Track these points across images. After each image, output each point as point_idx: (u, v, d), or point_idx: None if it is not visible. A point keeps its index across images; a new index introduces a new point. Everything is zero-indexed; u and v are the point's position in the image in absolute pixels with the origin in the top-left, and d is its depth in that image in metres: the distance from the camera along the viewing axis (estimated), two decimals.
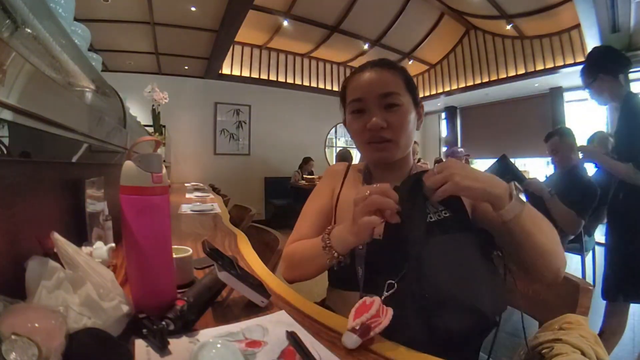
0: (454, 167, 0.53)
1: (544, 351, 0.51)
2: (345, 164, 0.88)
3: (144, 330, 0.44)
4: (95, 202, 0.81)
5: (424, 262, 0.51)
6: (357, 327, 0.45)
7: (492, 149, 6.20)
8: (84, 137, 0.68)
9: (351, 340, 0.45)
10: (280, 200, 5.49)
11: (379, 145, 0.70)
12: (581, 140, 2.11)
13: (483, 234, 0.59)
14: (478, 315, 0.49)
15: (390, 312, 0.47)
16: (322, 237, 0.64)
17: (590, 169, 2.07)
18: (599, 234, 2.34)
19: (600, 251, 2.16)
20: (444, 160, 3.23)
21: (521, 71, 5.32)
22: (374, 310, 0.46)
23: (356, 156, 4.70)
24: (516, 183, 0.55)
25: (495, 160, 2.00)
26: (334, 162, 5.47)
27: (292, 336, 0.44)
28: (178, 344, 0.45)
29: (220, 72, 5.44)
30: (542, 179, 2.06)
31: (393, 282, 0.51)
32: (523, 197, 0.54)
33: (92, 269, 0.46)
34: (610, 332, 1.53)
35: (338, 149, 5.92)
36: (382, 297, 0.50)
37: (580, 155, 1.69)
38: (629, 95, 1.46)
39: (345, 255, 0.62)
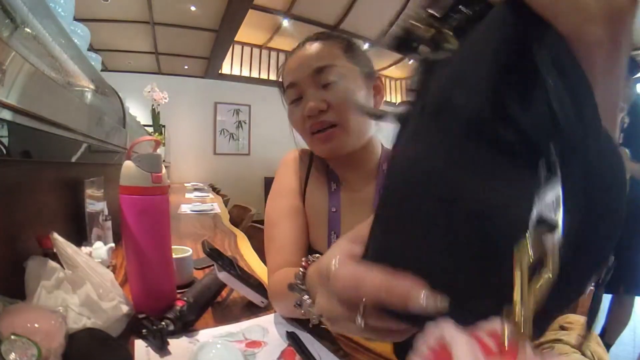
0: None
1: (544, 351, 0.51)
2: (306, 152, 0.70)
3: (144, 331, 0.44)
4: (95, 202, 0.81)
5: None
6: None
7: None
8: (84, 137, 0.68)
9: None
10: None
11: (323, 135, 0.56)
12: None
13: None
14: None
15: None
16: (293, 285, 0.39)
17: None
18: None
19: None
20: None
21: None
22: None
23: None
24: None
25: None
26: None
27: (292, 336, 0.44)
28: (178, 344, 0.45)
29: (220, 72, 5.44)
30: None
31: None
32: None
33: (91, 269, 0.46)
34: (615, 322, 1.57)
35: None
36: None
37: None
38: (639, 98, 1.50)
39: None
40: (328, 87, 0.55)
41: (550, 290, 0.17)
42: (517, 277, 0.17)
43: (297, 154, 0.70)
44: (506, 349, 0.16)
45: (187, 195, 2.72)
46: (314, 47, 0.57)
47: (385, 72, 7.23)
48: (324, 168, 0.66)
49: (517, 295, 0.17)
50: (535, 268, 0.17)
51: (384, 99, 0.62)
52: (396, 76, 7.41)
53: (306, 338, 0.48)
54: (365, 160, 0.62)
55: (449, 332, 0.16)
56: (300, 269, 0.39)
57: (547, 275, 0.17)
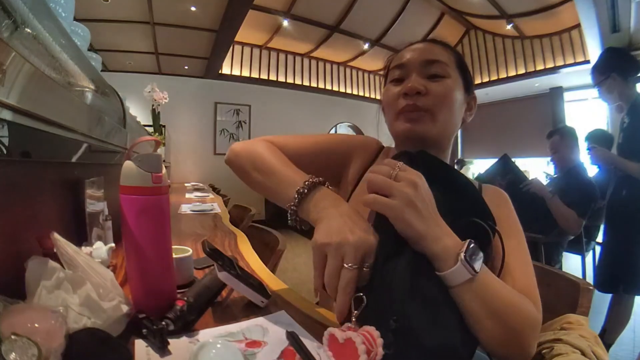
0: (410, 191, 0.40)
1: (544, 351, 0.51)
2: (380, 144, 0.72)
3: (144, 330, 0.44)
4: (95, 202, 0.81)
5: (391, 280, 0.40)
6: None
7: (492, 149, 6.20)
8: (84, 137, 0.68)
9: None
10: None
11: (413, 114, 0.56)
12: (580, 139, 2.11)
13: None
14: (449, 350, 0.39)
15: (375, 334, 0.36)
16: (302, 185, 0.48)
17: (591, 170, 2.08)
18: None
19: (599, 251, 2.16)
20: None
21: (521, 71, 5.33)
22: (362, 348, 0.34)
23: None
24: (474, 245, 0.41)
25: (497, 160, 2.00)
26: None
27: (292, 336, 0.44)
28: (178, 344, 0.45)
29: (220, 72, 5.44)
30: (542, 179, 2.06)
31: (361, 295, 0.39)
32: (478, 265, 0.41)
33: (91, 269, 0.46)
34: (614, 321, 1.58)
35: None
36: (354, 318, 0.39)
37: (589, 156, 1.71)
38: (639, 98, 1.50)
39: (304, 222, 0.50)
40: (432, 79, 0.57)
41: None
42: None
43: (375, 144, 0.72)
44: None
45: (187, 195, 2.72)
46: (433, 45, 0.61)
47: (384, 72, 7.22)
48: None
49: None
50: None
51: (472, 116, 0.66)
52: None
53: (306, 338, 0.48)
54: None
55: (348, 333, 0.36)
56: (312, 180, 0.49)
57: None
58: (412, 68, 0.58)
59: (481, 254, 0.42)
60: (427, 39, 0.64)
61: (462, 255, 0.39)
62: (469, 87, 0.63)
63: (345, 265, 0.39)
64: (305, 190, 0.48)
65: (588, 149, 1.73)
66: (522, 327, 0.43)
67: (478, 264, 0.41)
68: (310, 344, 0.46)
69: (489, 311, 0.41)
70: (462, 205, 0.48)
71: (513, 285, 0.48)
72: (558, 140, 1.96)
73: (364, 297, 0.39)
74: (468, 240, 0.41)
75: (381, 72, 6.55)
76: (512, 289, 0.46)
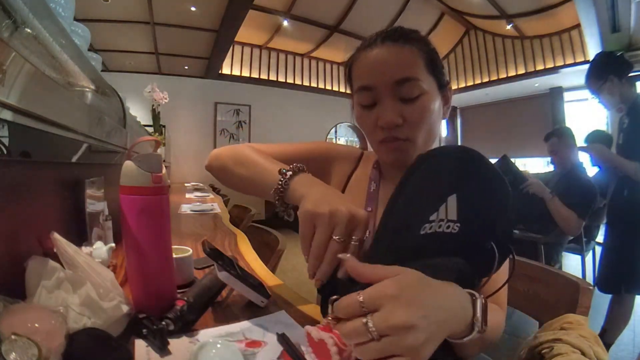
0: (394, 301, 0.30)
1: (544, 351, 0.51)
2: (360, 151, 0.72)
3: (144, 330, 0.44)
4: (95, 202, 0.81)
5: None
6: None
7: (492, 149, 6.19)
8: (84, 137, 0.68)
9: None
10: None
11: (393, 145, 0.55)
12: (581, 139, 2.11)
13: (471, 266, 0.39)
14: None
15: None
16: (286, 169, 0.49)
17: (591, 170, 2.08)
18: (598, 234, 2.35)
19: (600, 251, 2.17)
20: None
21: (521, 71, 5.33)
22: (334, 349, 0.34)
23: None
24: (482, 299, 0.35)
25: (496, 160, 2.00)
26: None
27: (282, 338, 0.44)
28: (178, 344, 0.45)
29: (220, 72, 5.44)
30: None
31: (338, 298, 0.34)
32: (485, 324, 0.35)
33: (92, 269, 0.46)
34: (614, 321, 1.58)
35: None
36: (329, 318, 0.34)
37: (588, 155, 1.71)
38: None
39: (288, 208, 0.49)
40: (407, 102, 0.53)
41: None
42: None
43: (357, 153, 0.71)
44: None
45: (187, 195, 2.72)
46: (395, 51, 0.53)
47: None
48: (368, 167, 0.67)
49: None
50: None
51: (450, 107, 0.62)
52: None
53: (305, 337, 0.48)
54: None
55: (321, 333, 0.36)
56: (295, 166, 0.48)
57: None
58: (381, 92, 0.54)
59: (485, 323, 0.35)
60: (387, 34, 0.55)
61: (479, 325, 0.34)
62: (442, 83, 0.58)
63: (334, 237, 0.38)
64: (290, 173, 0.48)
65: (581, 149, 1.73)
66: (496, 338, 0.47)
67: (484, 322, 0.35)
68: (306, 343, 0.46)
69: (480, 343, 0.43)
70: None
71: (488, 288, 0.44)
72: (556, 141, 1.96)
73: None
74: (479, 299, 0.35)
75: None
76: (493, 307, 0.46)
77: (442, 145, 0.44)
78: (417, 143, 0.55)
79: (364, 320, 0.29)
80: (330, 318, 0.34)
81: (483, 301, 0.35)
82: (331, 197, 0.41)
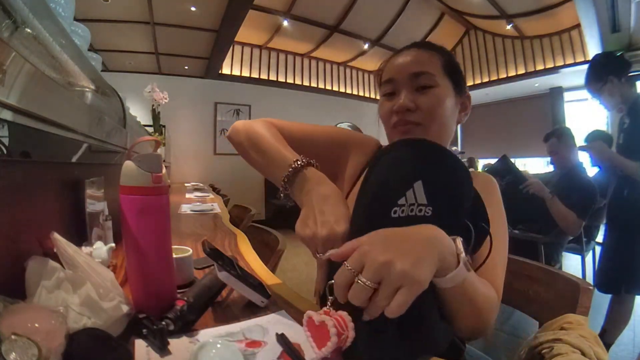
0: (371, 251, 0.34)
1: (544, 351, 0.51)
2: (378, 142, 0.74)
3: (144, 330, 0.44)
4: (95, 202, 0.81)
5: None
6: (329, 356, 0.38)
7: (492, 149, 6.20)
8: (84, 137, 0.68)
9: None
10: (280, 201, 5.48)
11: (404, 128, 0.60)
12: (580, 139, 2.11)
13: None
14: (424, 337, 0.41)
15: (347, 319, 0.38)
16: (292, 164, 0.52)
17: (590, 171, 2.08)
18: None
19: (600, 251, 2.17)
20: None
21: (521, 71, 5.33)
22: (334, 331, 0.36)
23: None
24: (462, 241, 0.40)
25: (496, 160, 2.00)
26: None
27: (281, 338, 0.44)
28: (178, 344, 0.45)
29: (220, 72, 5.44)
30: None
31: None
32: (469, 262, 0.40)
33: (92, 269, 0.46)
34: (614, 321, 1.58)
35: None
36: (329, 305, 0.39)
37: (588, 155, 1.70)
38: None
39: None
40: (421, 91, 0.60)
41: None
42: None
43: (374, 143, 0.73)
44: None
45: (187, 195, 2.72)
46: (417, 53, 0.63)
47: None
48: None
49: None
50: None
51: (468, 115, 0.68)
52: None
53: (304, 337, 0.48)
54: None
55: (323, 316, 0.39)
56: (304, 160, 0.51)
57: None
58: (401, 83, 0.62)
59: (467, 251, 0.41)
60: (414, 43, 0.65)
61: (463, 255, 0.39)
62: (460, 89, 0.64)
63: (317, 254, 0.45)
64: (293, 168, 0.51)
65: (581, 148, 1.73)
66: (490, 314, 0.48)
67: (468, 259, 0.40)
68: (308, 343, 0.46)
69: (470, 307, 0.45)
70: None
71: (483, 270, 0.51)
72: (556, 142, 1.96)
73: None
74: (459, 238, 0.40)
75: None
76: (482, 279, 0.48)
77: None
78: (429, 130, 0.60)
79: (357, 280, 0.34)
80: (329, 303, 0.39)
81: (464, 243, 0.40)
82: (317, 214, 0.46)
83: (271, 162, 0.57)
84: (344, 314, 0.38)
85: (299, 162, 0.52)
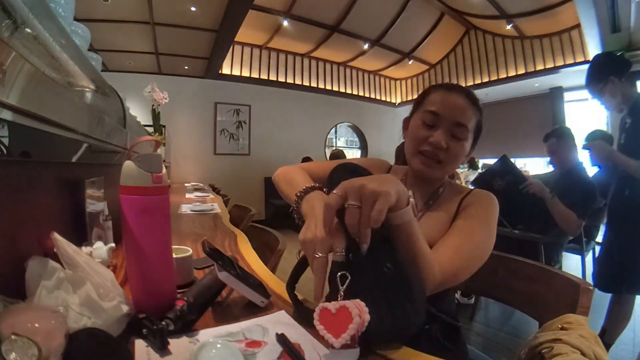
0: (360, 184, 0.47)
1: (544, 351, 0.51)
2: (388, 165, 0.90)
3: (144, 330, 0.44)
4: (95, 202, 0.81)
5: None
6: (349, 341, 0.40)
7: (492, 149, 6.16)
8: (84, 137, 0.68)
9: (353, 356, 0.42)
10: (280, 200, 5.42)
11: (430, 161, 0.73)
12: (580, 139, 2.11)
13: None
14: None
15: (362, 303, 0.42)
16: (302, 188, 0.64)
17: (590, 170, 2.08)
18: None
19: (599, 250, 2.17)
20: None
21: (521, 71, 5.33)
22: (356, 312, 0.40)
23: (351, 157, 4.69)
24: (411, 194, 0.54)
25: (496, 160, 2.00)
26: None
27: (281, 338, 0.44)
28: (178, 344, 0.45)
29: (220, 72, 5.44)
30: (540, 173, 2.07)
31: (345, 272, 0.47)
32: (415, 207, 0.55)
33: (92, 269, 0.46)
34: (615, 320, 1.58)
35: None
36: (342, 292, 0.45)
37: (588, 155, 1.70)
38: None
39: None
40: (455, 139, 0.72)
41: None
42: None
43: (385, 165, 0.90)
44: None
45: (187, 195, 2.72)
46: (467, 106, 0.72)
47: (385, 72, 7.23)
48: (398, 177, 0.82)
49: None
50: None
51: (463, 163, 0.80)
52: (396, 76, 7.42)
53: (306, 338, 0.48)
54: (434, 183, 0.79)
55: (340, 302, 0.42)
56: (309, 185, 0.64)
57: None
58: (443, 123, 0.72)
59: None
60: (465, 89, 0.75)
61: (412, 200, 0.53)
62: (476, 141, 0.77)
63: (315, 255, 0.50)
64: (304, 189, 0.63)
65: (584, 147, 1.72)
66: (425, 272, 0.56)
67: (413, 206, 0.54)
68: (307, 343, 0.46)
69: (412, 254, 0.54)
70: None
71: (436, 249, 0.63)
72: (555, 142, 1.96)
73: (348, 274, 0.46)
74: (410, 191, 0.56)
75: (381, 72, 6.58)
76: (428, 246, 0.58)
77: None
78: (445, 168, 0.74)
79: (346, 205, 0.47)
80: (342, 293, 0.45)
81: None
82: (317, 223, 0.53)
83: (293, 187, 0.69)
84: (357, 300, 0.42)
85: (309, 186, 0.64)
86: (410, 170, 0.82)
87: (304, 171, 0.80)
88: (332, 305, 0.42)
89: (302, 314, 0.55)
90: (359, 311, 0.40)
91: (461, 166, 4.61)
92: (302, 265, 0.57)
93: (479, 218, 0.69)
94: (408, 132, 0.78)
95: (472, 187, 0.79)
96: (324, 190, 0.64)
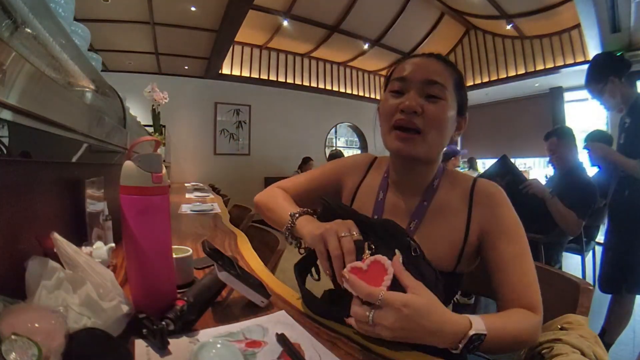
0: (396, 318, 0.42)
1: (544, 351, 0.51)
2: (371, 157, 0.80)
3: (144, 330, 0.44)
4: (95, 202, 0.81)
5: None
6: (388, 286, 0.44)
7: (492, 149, 6.19)
8: (84, 137, 0.68)
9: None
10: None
11: (404, 134, 0.60)
12: (581, 139, 2.11)
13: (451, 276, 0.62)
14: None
15: (385, 257, 0.47)
16: (290, 215, 0.64)
17: (590, 170, 2.08)
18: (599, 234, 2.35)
19: (600, 251, 2.16)
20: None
21: (521, 71, 5.33)
22: (389, 262, 0.45)
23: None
24: (477, 335, 0.45)
25: (496, 160, 2.00)
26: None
27: (281, 338, 0.44)
28: (178, 344, 0.45)
29: (220, 72, 5.44)
30: (542, 179, 2.06)
31: (370, 242, 0.51)
32: (468, 351, 0.45)
33: (92, 269, 0.46)
34: (615, 320, 1.58)
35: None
36: (367, 253, 0.49)
37: (589, 156, 1.70)
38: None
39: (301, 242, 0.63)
40: (430, 100, 0.61)
41: None
42: None
43: (365, 160, 0.80)
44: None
45: (187, 195, 2.72)
46: (434, 62, 0.63)
47: (385, 72, 7.23)
48: (380, 174, 0.75)
49: None
50: None
51: (460, 135, 0.69)
52: None
53: (306, 338, 0.48)
54: (424, 173, 0.67)
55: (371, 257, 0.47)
56: (297, 211, 0.64)
57: None
58: (412, 85, 0.61)
59: (482, 339, 0.45)
60: (431, 53, 0.66)
61: (458, 351, 0.45)
62: (462, 109, 0.66)
63: (342, 235, 0.51)
64: (291, 218, 0.63)
65: (585, 147, 1.72)
66: (530, 340, 0.52)
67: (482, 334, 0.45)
68: (307, 343, 0.46)
69: (505, 346, 0.50)
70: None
71: (511, 291, 0.57)
72: (555, 141, 1.96)
73: (373, 245, 0.49)
74: (473, 335, 0.45)
75: (381, 72, 6.57)
76: (511, 317, 0.53)
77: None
78: (427, 139, 0.61)
79: (368, 313, 0.43)
80: (369, 253, 0.49)
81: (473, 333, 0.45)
82: (324, 223, 0.56)
83: (279, 218, 0.69)
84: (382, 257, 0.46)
85: (296, 215, 0.63)
86: (391, 162, 0.70)
87: (281, 192, 0.78)
88: (362, 263, 0.46)
89: (309, 301, 0.58)
90: (390, 262, 0.45)
91: (461, 166, 4.60)
92: (310, 255, 0.59)
93: (515, 231, 0.62)
94: (380, 114, 0.68)
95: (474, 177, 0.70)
96: (313, 213, 0.65)
